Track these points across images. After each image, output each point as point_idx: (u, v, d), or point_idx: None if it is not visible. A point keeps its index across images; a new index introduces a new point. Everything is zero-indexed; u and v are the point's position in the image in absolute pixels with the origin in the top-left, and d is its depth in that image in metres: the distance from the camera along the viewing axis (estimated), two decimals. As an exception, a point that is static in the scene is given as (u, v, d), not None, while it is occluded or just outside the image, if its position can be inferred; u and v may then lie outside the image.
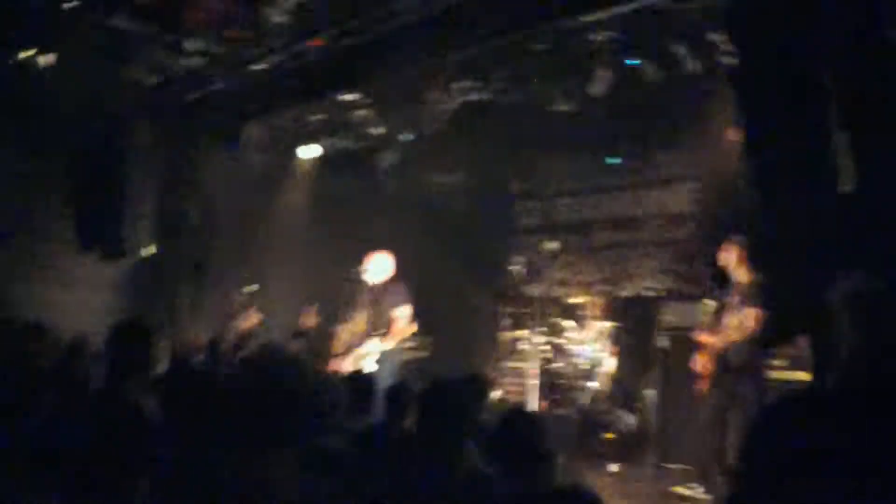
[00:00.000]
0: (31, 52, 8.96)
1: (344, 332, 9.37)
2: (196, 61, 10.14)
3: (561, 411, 10.13)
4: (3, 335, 6.44)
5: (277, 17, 9.18)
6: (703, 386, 7.89)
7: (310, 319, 8.04)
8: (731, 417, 7.57)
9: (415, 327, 8.98)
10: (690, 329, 8.35)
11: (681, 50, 8.02)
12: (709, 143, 10.41)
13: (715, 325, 7.83)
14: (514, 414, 4.48)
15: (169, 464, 3.96)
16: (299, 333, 7.84)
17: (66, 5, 8.31)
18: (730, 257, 7.85)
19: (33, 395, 5.36)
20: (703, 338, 7.92)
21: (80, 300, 10.09)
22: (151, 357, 5.29)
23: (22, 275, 9.96)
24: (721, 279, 8.02)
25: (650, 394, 9.54)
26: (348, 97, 10.68)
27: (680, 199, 11.05)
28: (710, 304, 8.01)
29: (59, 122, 9.99)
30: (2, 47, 8.93)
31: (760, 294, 7.54)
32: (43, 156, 10.04)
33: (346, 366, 8.93)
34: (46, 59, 9.00)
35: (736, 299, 7.71)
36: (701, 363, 7.86)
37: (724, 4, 6.95)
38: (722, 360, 7.65)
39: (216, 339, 7.43)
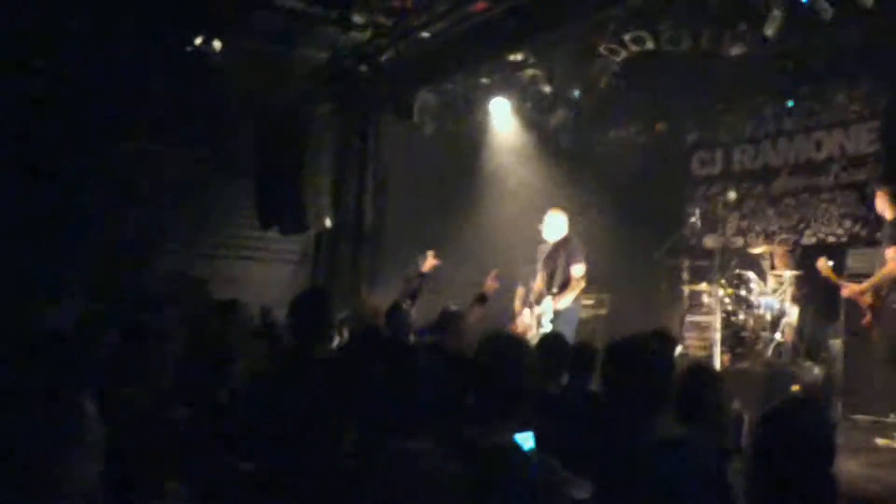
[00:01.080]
0: (203, 39, 9.31)
1: (522, 291, 9.45)
2: (364, 34, 10.34)
3: (745, 365, 9.89)
4: (200, 312, 6.81)
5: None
6: (874, 333, 8.00)
7: (492, 283, 8.07)
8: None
9: (583, 283, 8.98)
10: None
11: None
12: (887, 81, 9.96)
13: None
14: (696, 371, 4.38)
15: (362, 427, 4.05)
16: (481, 298, 7.86)
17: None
18: (882, 202, 8.00)
19: (228, 368, 5.63)
20: (849, 289, 8.24)
21: (267, 274, 10.54)
22: (333, 325, 5.47)
23: (212, 252, 10.46)
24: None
25: (836, 343, 9.20)
26: (516, 57, 10.66)
27: (861, 139, 10.58)
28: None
29: (237, 105, 10.39)
30: (176, 37, 9.32)
31: None
32: (224, 139, 10.47)
33: (524, 324, 9.02)
34: (218, 45, 9.32)
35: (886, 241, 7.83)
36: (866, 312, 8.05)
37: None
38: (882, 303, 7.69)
39: (396, 305, 7.55)
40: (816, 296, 9.98)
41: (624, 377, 3.85)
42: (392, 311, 7.35)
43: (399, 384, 3.49)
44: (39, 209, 9.03)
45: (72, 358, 4.51)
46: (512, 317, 9.40)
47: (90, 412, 2.72)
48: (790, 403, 3.30)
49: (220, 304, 6.55)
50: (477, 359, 3.70)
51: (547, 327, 8.61)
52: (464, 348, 6.28)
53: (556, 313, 8.84)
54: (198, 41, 9.31)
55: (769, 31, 8.42)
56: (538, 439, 3.79)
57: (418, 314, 7.98)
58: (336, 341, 6.94)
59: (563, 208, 9.47)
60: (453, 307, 7.33)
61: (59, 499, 2.42)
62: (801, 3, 8.14)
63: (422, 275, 8.62)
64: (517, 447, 3.41)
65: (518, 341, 3.98)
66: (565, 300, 8.90)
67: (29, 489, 2.39)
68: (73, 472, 2.46)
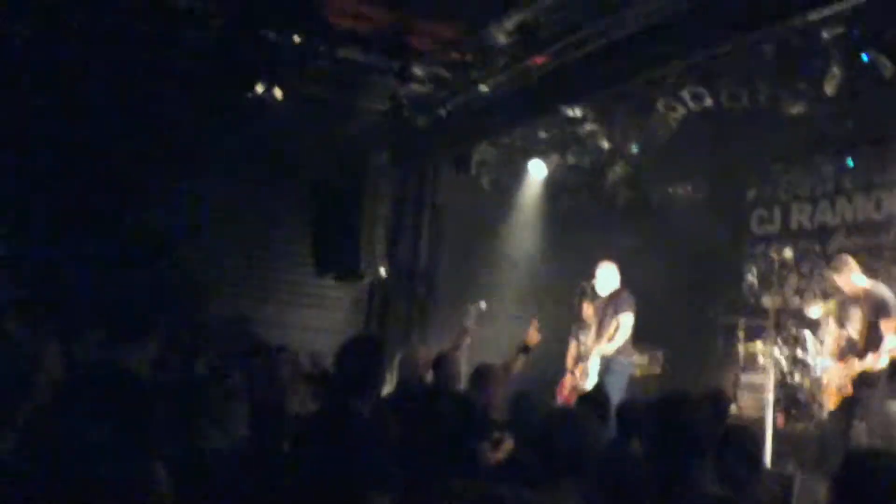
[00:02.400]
0: (265, 87, 9.47)
1: (575, 346, 9.42)
2: (424, 86, 10.44)
3: (800, 426, 9.69)
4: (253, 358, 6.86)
5: (501, 37, 9.30)
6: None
7: (534, 333, 8.00)
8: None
9: (629, 331, 8.96)
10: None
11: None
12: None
13: None
14: (736, 431, 4.31)
15: (400, 482, 4.03)
16: (524, 348, 7.83)
17: (296, 40, 8.73)
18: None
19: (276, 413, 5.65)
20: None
21: (320, 320, 10.60)
22: (381, 374, 5.46)
23: (267, 298, 10.57)
24: None
25: (894, 405, 8.97)
26: (575, 112, 10.65)
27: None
28: None
29: (297, 152, 10.54)
30: (239, 83, 9.50)
31: None
32: (283, 185, 10.64)
33: (574, 380, 8.98)
34: (279, 93, 9.47)
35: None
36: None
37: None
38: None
39: (442, 356, 7.50)
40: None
41: (671, 435, 3.79)
42: (439, 362, 7.32)
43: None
44: (106, 248, 9.30)
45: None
46: (562, 372, 9.38)
47: (160, 476, 2.69)
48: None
49: (269, 349, 6.62)
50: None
51: (594, 381, 8.61)
52: (494, 403, 6.30)
53: (607, 368, 8.81)
54: (259, 88, 9.47)
55: (829, 88, 8.35)
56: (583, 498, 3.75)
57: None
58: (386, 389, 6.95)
59: (616, 261, 9.47)
60: (487, 363, 7.24)
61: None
62: (862, 61, 8.07)
63: (464, 329, 8.62)
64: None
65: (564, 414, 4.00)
66: (612, 345, 8.89)
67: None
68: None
